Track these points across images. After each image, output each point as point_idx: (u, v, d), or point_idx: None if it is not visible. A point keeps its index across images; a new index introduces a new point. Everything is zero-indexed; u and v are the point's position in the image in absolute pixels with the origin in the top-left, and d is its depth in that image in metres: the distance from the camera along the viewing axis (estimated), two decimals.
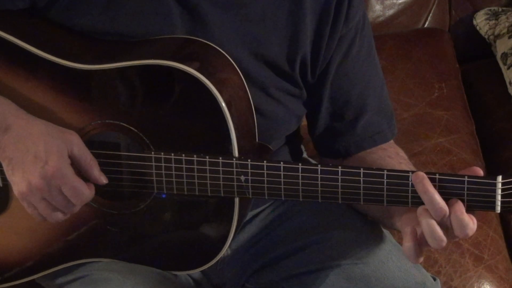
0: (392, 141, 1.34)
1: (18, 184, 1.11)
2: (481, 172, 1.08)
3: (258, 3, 1.19)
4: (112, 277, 1.23)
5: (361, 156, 1.30)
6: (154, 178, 1.15)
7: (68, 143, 1.11)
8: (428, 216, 1.06)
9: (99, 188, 1.15)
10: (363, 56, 1.28)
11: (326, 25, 1.21)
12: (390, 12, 2.06)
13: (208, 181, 1.13)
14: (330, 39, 1.22)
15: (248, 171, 1.11)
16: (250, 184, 1.12)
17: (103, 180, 1.14)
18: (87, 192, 1.12)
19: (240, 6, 1.19)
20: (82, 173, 1.13)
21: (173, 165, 1.13)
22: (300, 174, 1.10)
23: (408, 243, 1.08)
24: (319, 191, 1.11)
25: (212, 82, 1.09)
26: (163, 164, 1.14)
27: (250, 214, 1.34)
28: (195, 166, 1.12)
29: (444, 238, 1.06)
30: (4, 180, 1.20)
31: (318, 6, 1.21)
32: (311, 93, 1.27)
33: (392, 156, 1.29)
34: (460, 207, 1.06)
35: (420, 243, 1.08)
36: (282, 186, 1.11)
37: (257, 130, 1.18)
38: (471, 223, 1.06)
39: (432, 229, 1.05)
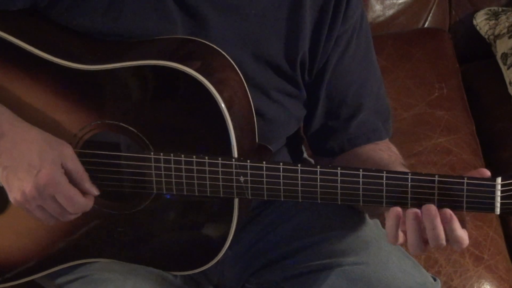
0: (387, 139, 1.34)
1: (13, 192, 1.12)
2: (488, 174, 1.07)
3: (258, 3, 1.19)
4: (112, 277, 1.23)
5: (354, 151, 1.30)
6: (154, 179, 1.15)
7: (62, 156, 1.11)
8: (415, 224, 1.07)
9: (99, 189, 1.15)
10: (360, 56, 1.28)
11: (325, 24, 1.22)
12: (390, 12, 2.06)
13: (208, 182, 1.13)
14: (327, 38, 1.22)
15: (247, 172, 1.11)
16: (249, 185, 1.12)
17: (94, 191, 1.14)
18: (82, 201, 1.12)
19: (240, 7, 1.19)
20: (74, 185, 1.12)
21: (173, 165, 1.13)
22: (299, 175, 1.10)
23: (389, 221, 1.08)
24: (318, 192, 1.10)
25: (211, 83, 1.09)
26: (162, 165, 1.13)
27: (250, 214, 1.34)
28: (195, 167, 1.12)
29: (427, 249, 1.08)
30: None
31: (317, 6, 1.21)
32: (307, 91, 1.27)
33: (383, 149, 1.29)
34: (457, 224, 1.06)
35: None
36: (282, 187, 1.11)
37: (257, 132, 1.18)
38: (466, 237, 1.07)
39: (418, 241, 1.07)
